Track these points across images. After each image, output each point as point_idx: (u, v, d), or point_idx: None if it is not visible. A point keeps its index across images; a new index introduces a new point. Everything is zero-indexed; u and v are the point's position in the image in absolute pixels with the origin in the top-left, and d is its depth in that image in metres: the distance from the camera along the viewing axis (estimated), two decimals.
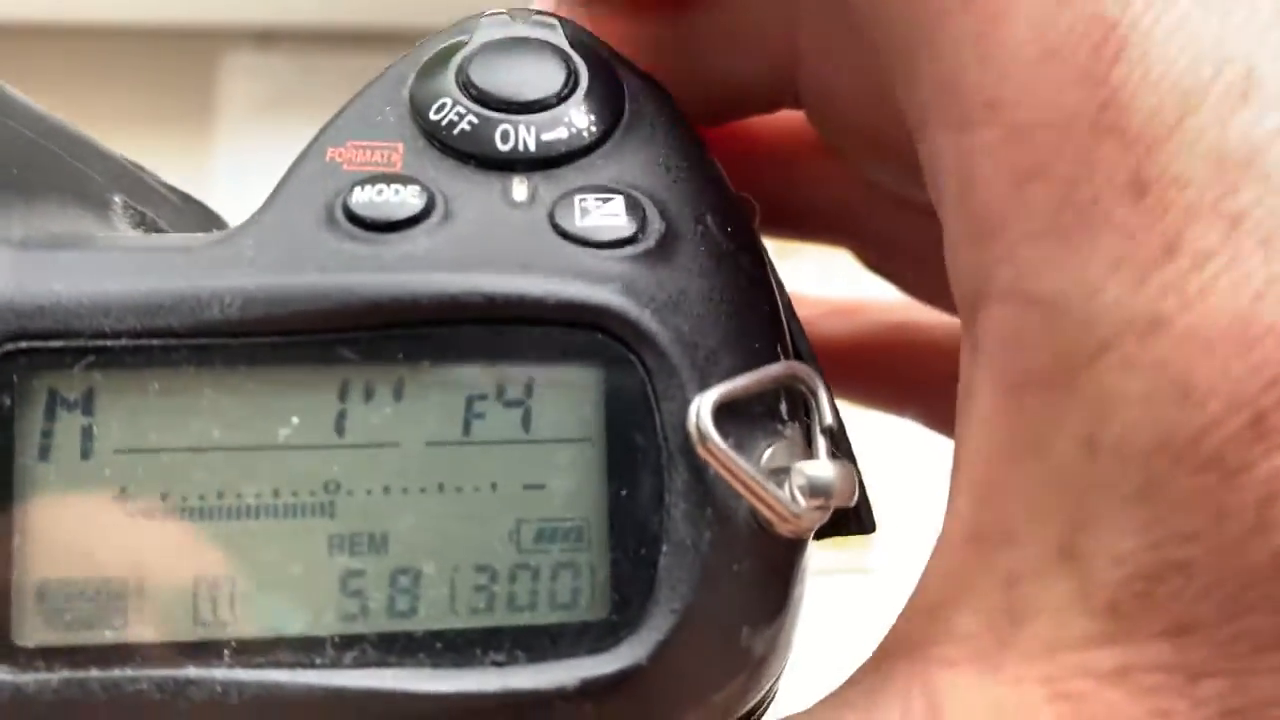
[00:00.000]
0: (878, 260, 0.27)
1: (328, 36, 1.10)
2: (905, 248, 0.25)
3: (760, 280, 0.18)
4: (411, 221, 0.16)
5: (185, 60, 1.10)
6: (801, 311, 0.28)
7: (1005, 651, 0.13)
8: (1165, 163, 0.13)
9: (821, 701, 0.15)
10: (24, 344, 0.15)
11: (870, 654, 0.15)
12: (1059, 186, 0.14)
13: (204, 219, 0.20)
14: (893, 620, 0.16)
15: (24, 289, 0.15)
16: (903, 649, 0.15)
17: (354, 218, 0.16)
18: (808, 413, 0.17)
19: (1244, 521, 0.12)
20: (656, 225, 0.17)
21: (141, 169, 0.20)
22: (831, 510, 0.16)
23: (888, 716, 0.14)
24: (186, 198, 0.20)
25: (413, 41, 0.19)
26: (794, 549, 0.16)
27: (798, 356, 0.18)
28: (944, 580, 0.14)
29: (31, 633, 0.15)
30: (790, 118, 0.24)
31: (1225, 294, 0.12)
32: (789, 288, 0.19)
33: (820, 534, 0.18)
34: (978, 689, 0.13)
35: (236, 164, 1.05)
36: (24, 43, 1.05)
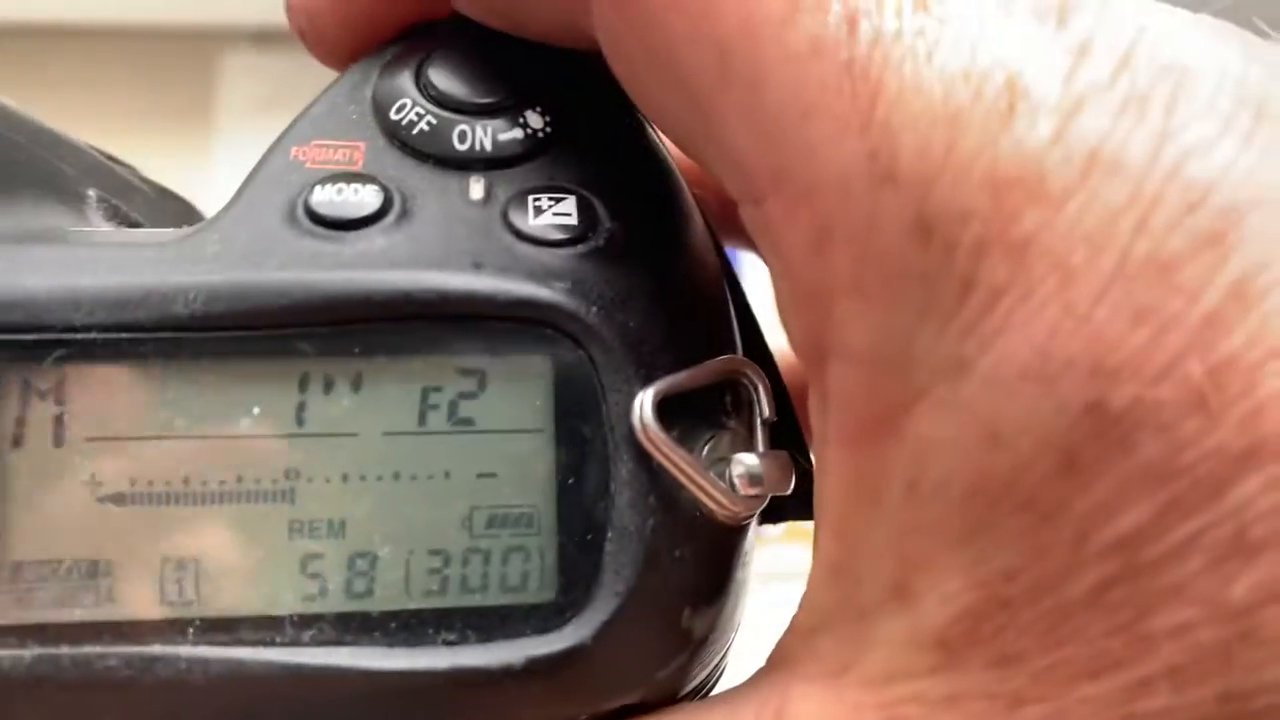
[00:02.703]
0: None
1: None
2: None
3: (710, 278, 0.18)
4: (370, 220, 0.17)
5: (184, 60, 1.11)
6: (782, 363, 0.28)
7: (849, 675, 0.14)
8: (943, 199, 0.12)
9: (703, 699, 0.16)
10: None
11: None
12: (851, 244, 0.13)
13: (180, 211, 0.21)
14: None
15: None
16: (775, 663, 0.16)
17: (315, 216, 0.17)
18: (751, 406, 0.17)
19: (1060, 559, 0.12)
20: (607, 224, 0.18)
21: (116, 161, 0.20)
22: (768, 498, 0.17)
23: (744, 714, 0.15)
24: (162, 190, 0.21)
25: None
26: (734, 535, 0.17)
27: (751, 352, 0.19)
28: (812, 608, 0.15)
29: (6, 610, 0.16)
30: None
31: (1020, 331, 0.12)
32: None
33: (765, 519, 0.19)
34: (820, 707, 0.14)
35: (235, 164, 1.05)
36: (24, 43, 1.06)
